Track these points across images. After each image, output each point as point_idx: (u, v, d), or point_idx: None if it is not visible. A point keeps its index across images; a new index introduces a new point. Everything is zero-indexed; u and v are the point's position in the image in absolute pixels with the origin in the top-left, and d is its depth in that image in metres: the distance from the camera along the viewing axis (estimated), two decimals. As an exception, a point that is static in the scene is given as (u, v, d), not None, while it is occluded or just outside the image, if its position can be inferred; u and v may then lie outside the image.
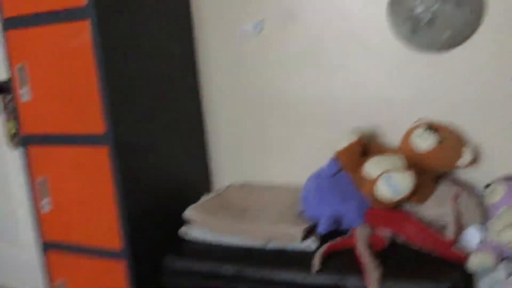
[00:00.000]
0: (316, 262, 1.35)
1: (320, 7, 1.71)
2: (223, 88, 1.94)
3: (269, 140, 1.90)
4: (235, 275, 1.49)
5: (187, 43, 1.90)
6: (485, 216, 1.41)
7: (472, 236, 1.34)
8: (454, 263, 1.28)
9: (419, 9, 1.53)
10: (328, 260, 1.37)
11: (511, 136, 1.54)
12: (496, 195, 1.40)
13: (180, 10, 1.85)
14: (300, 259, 1.42)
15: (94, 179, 1.59)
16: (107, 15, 1.49)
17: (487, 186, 1.47)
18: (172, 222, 1.72)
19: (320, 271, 1.35)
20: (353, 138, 1.50)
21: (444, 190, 1.46)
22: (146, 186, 1.67)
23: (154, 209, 1.70)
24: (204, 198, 1.77)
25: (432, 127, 1.49)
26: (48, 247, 1.77)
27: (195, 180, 1.94)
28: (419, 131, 1.48)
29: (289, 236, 1.47)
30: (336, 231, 1.50)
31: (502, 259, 1.26)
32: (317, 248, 1.41)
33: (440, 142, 1.46)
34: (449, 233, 1.33)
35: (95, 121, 1.53)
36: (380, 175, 1.38)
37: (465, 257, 1.27)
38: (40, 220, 1.75)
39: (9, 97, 1.95)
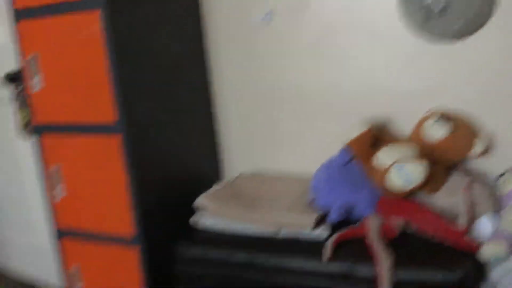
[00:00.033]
0: (327, 250, 1.35)
1: (330, -4, 1.70)
2: (234, 79, 1.94)
3: (280, 130, 1.90)
4: (246, 263, 1.50)
5: (198, 34, 1.90)
6: (498, 205, 1.40)
7: (484, 226, 1.34)
8: (466, 253, 1.28)
9: (431, -2, 1.52)
10: (339, 248, 1.37)
11: (525, 125, 1.53)
12: (509, 185, 1.39)
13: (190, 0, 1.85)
14: (311, 248, 1.42)
15: (106, 167, 1.61)
16: (118, 5, 1.49)
17: (501, 175, 1.46)
18: (183, 211, 1.73)
19: (331, 259, 1.35)
20: (364, 128, 1.49)
21: (456, 180, 1.45)
22: (158, 174, 1.68)
23: (166, 197, 1.72)
24: (215, 187, 1.77)
25: (444, 117, 1.48)
26: (61, 234, 1.80)
27: (206, 170, 1.95)
28: (431, 121, 1.47)
29: (300, 224, 1.48)
30: (347, 220, 1.50)
31: (515, 249, 1.26)
32: (328, 237, 1.42)
33: (452, 132, 1.45)
34: (462, 223, 1.33)
35: (106, 110, 1.54)
36: (391, 165, 1.38)
37: (477, 246, 1.27)
38: (53, 208, 1.78)
39: (21, 87, 1.96)
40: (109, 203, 1.64)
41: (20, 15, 1.62)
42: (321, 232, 1.47)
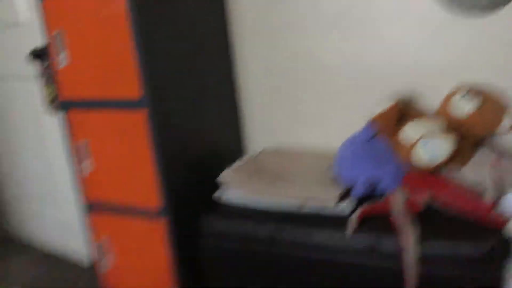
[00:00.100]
0: (351, 225, 1.36)
1: (356, -32, 1.67)
2: (257, 53, 1.94)
3: (303, 105, 1.90)
4: (269, 238, 1.51)
5: (221, 10, 1.89)
6: (525, 181, 1.38)
7: (511, 201, 1.33)
8: (492, 228, 1.27)
9: (462, -32, 1.48)
10: (363, 223, 1.38)
11: (555, 100, 1.50)
12: (537, 161, 1.38)
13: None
14: (335, 222, 1.43)
15: (133, 142, 1.63)
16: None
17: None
18: (207, 185, 1.75)
19: (355, 234, 1.36)
20: (390, 103, 1.48)
21: (483, 155, 1.44)
22: (182, 149, 1.70)
23: (190, 172, 1.74)
24: (239, 162, 1.79)
25: (472, 92, 1.46)
26: (89, 208, 1.84)
27: (229, 145, 1.97)
28: (459, 96, 1.45)
29: (324, 199, 1.49)
30: (372, 196, 1.50)
31: (542, 225, 1.25)
32: (352, 212, 1.42)
33: (480, 107, 1.43)
34: (488, 198, 1.32)
35: (132, 85, 1.55)
36: (418, 140, 1.37)
37: (503, 222, 1.26)
38: (81, 182, 1.82)
39: (47, 63, 1.99)
40: (136, 177, 1.67)
41: (45, -9, 1.63)
42: (345, 207, 1.47)
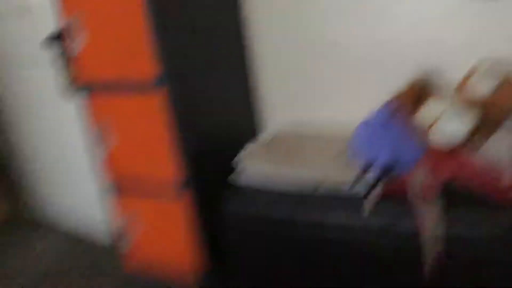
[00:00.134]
0: (368, 205, 1.36)
1: None
2: (272, 30, 1.91)
3: (321, 84, 1.88)
4: (286, 219, 1.52)
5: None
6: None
7: (531, 181, 1.31)
8: (511, 208, 1.26)
9: None
10: (380, 204, 1.38)
11: None
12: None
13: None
14: (352, 203, 1.43)
15: (152, 121, 1.64)
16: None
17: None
18: (224, 165, 1.76)
19: (372, 214, 1.36)
20: (408, 82, 1.46)
21: (503, 135, 1.41)
22: (200, 127, 1.71)
23: (208, 152, 1.75)
24: (256, 142, 1.79)
25: (492, 72, 1.42)
26: (111, 188, 1.87)
27: (245, 123, 1.97)
28: (478, 75, 1.42)
29: (341, 179, 1.49)
30: (389, 175, 1.49)
31: None
32: (369, 192, 1.42)
33: (501, 85, 1.40)
34: (508, 177, 1.31)
35: (150, 65, 1.55)
36: (437, 119, 1.35)
37: (524, 201, 1.25)
38: (102, 163, 1.85)
39: (63, 47, 2.00)
40: (156, 155, 1.69)
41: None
42: (362, 188, 1.47)
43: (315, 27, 1.81)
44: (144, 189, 1.78)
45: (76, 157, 2.42)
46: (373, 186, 1.46)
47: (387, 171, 1.48)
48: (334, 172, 1.52)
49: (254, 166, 1.67)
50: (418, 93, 1.47)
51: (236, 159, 1.72)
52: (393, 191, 1.41)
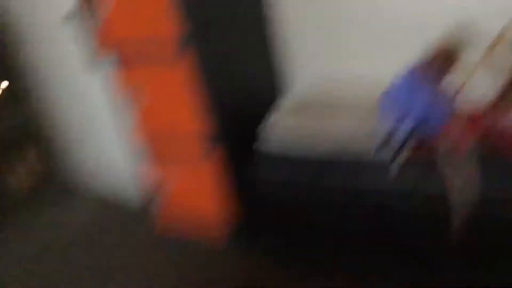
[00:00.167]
0: (394, 169, 1.36)
1: None
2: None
3: (347, 41, 1.83)
4: (311, 183, 1.54)
5: None
6: None
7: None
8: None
9: None
10: (407, 167, 1.38)
11: None
12: None
13: None
14: (378, 167, 1.44)
15: (180, 81, 1.64)
16: None
17: None
18: (252, 126, 1.76)
19: (398, 178, 1.37)
20: (438, 44, 1.43)
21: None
22: (226, 87, 1.72)
23: (235, 111, 1.76)
24: (281, 105, 1.78)
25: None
26: (141, 152, 1.92)
27: (271, 85, 1.96)
28: (505, 42, 1.38)
29: (367, 144, 1.48)
30: (417, 138, 1.48)
31: None
32: (396, 156, 1.42)
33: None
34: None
35: (176, 26, 1.55)
36: (466, 82, 1.33)
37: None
38: (132, 128, 1.88)
39: (86, 19, 1.99)
40: (185, 114, 1.70)
41: None
42: (389, 151, 1.47)
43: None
44: (174, 150, 1.81)
45: (106, 122, 2.45)
46: (400, 149, 1.45)
47: (415, 132, 1.48)
48: (360, 135, 1.51)
49: (280, 129, 1.66)
50: (448, 55, 1.45)
51: (263, 121, 1.71)
52: (421, 154, 1.41)
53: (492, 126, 1.38)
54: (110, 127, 2.44)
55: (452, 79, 1.40)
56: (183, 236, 2.02)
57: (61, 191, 2.94)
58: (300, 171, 1.57)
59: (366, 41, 1.80)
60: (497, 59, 1.41)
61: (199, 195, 1.86)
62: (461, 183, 1.26)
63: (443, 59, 1.45)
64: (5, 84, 2.73)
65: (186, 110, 1.68)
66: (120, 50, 1.72)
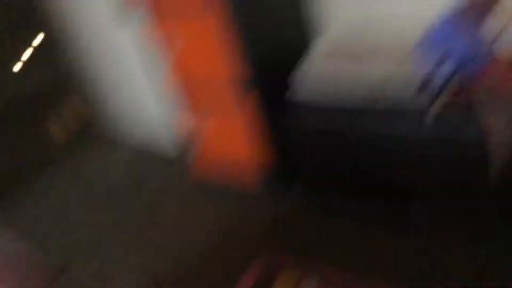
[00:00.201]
0: (431, 115, 1.33)
1: None
2: None
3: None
4: (345, 131, 1.53)
5: None
6: None
7: None
8: None
9: None
10: (445, 113, 1.34)
11: None
12: None
13: None
14: (414, 114, 1.40)
15: (214, 26, 1.63)
16: None
17: None
18: (285, 72, 1.74)
19: (435, 124, 1.34)
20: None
21: None
22: (259, 36, 1.71)
23: (269, 55, 1.75)
24: (314, 51, 1.74)
25: None
26: (176, 103, 1.95)
27: (304, 31, 1.92)
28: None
29: (404, 89, 1.45)
30: (455, 83, 1.44)
31: None
32: (433, 101, 1.38)
33: None
34: None
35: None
36: (506, 26, 1.27)
37: None
38: (166, 80, 1.91)
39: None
40: (220, 57, 1.70)
41: None
42: (426, 97, 1.43)
43: None
44: (208, 96, 1.82)
45: (141, 73, 2.48)
46: (439, 93, 1.42)
47: (454, 76, 1.43)
48: (397, 80, 1.47)
49: (313, 76, 1.64)
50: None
51: (295, 68, 1.69)
52: (460, 98, 1.37)
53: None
54: (145, 77, 2.47)
55: (493, 22, 1.33)
56: (218, 181, 2.07)
57: (100, 140, 3.05)
58: (334, 119, 1.56)
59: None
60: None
61: (233, 141, 1.89)
62: (501, 127, 1.23)
63: (484, 1, 1.38)
64: (41, 36, 2.78)
65: (220, 56, 1.68)
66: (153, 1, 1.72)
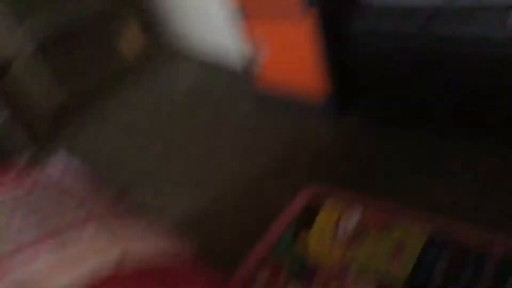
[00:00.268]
0: None
1: None
2: None
3: None
4: (418, 34, 1.39)
5: None
6: None
7: None
8: None
9: None
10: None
11: None
12: None
13: None
14: (494, 14, 1.24)
15: None
16: None
17: None
18: None
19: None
20: None
21: None
22: None
23: None
24: None
25: None
26: (240, 15, 1.93)
27: None
28: None
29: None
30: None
31: None
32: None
33: None
34: None
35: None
36: None
37: None
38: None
39: None
40: None
41: None
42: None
43: None
44: (272, 7, 1.77)
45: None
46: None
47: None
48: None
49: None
50: None
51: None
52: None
53: None
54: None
55: None
56: (282, 96, 2.05)
57: (168, 56, 3.12)
58: (406, 21, 1.44)
59: None
60: None
61: (297, 54, 1.83)
62: None
63: None
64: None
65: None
66: None
